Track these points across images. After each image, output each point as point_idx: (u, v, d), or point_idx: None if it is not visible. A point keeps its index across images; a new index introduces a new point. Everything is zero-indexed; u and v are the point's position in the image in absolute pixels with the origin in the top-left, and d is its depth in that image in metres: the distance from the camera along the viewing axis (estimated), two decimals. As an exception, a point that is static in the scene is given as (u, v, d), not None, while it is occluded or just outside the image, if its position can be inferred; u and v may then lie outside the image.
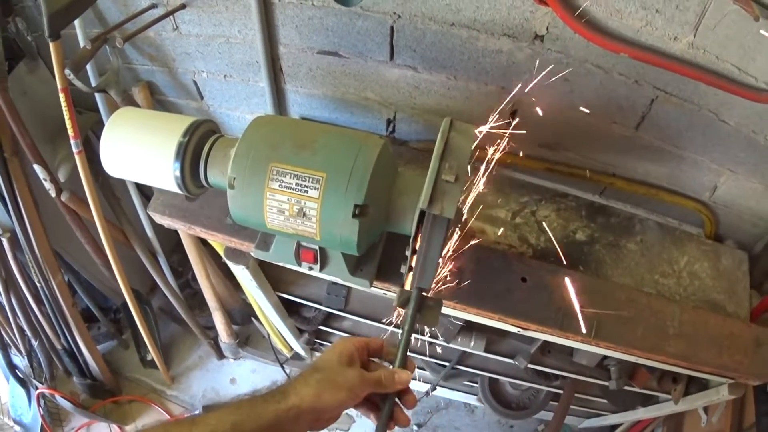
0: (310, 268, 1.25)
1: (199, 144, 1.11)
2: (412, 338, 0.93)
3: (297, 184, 1.00)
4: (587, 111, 1.37)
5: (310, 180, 1.00)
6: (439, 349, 2.03)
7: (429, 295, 0.98)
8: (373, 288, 1.30)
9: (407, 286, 1.03)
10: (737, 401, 1.63)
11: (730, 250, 1.53)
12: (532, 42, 1.27)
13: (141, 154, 1.12)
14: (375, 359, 0.92)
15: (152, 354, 2.57)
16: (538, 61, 1.30)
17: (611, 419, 2.31)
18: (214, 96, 1.85)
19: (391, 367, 0.88)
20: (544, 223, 1.50)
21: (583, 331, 1.27)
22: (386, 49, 1.42)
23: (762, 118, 1.23)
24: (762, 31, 1.02)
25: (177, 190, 1.14)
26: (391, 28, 1.35)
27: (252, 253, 1.31)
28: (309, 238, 1.07)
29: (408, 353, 0.90)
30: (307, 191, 1.00)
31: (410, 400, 0.88)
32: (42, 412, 2.69)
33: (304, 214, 1.02)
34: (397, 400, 0.87)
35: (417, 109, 1.58)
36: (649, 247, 1.50)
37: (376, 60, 1.46)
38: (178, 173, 1.09)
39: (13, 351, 2.70)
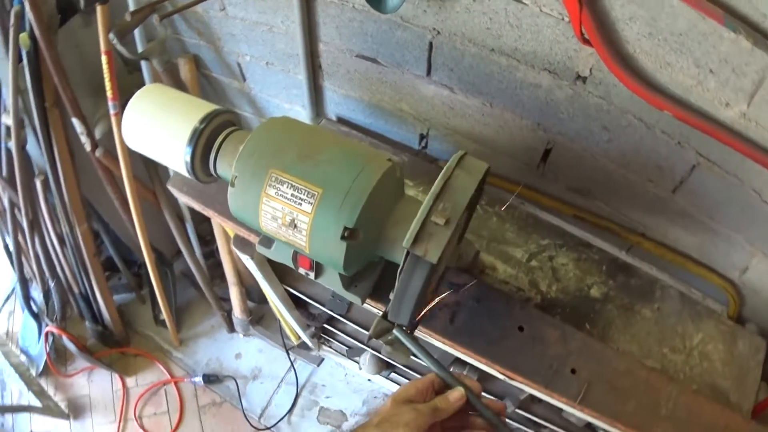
0: (307, 274, 1.22)
1: (213, 133, 1.10)
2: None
3: (293, 195, 0.97)
4: (624, 164, 1.29)
5: (306, 193, 0.96)
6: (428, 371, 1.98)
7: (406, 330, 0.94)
8: (365, 305, 1.27)
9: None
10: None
11: (749, 335, 1.42)
12: (573, 82, 1.20)
13: (158, 132, 1.12)
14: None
15: (164, 314, 2.62)
16: (578, 103, 1.23)
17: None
18: (255, 80, 1.85)
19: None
20: (560, 271, 1.43)
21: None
22: (424, 64, 1.38)
23: (808, 207, 1.14)
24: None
25: (187, 175, 1.13)
26: (430, 43, 1.31)
27: (256, 247, 1.30)
28: (300, 249, 1.04)
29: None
30: (300, 204, 0.97)
31: (494, 407, 0.86)
32: (48, 349, 2.77)
33: (296, 226, 0.99)
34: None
35: (450, 129, 1.54)
36: (664, 316, 1.41)
37: (413, 73, 1.43)
38: (188, 158, 1.08)
39: (33, 285, 2.78)
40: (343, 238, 0.95)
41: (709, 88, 1.03)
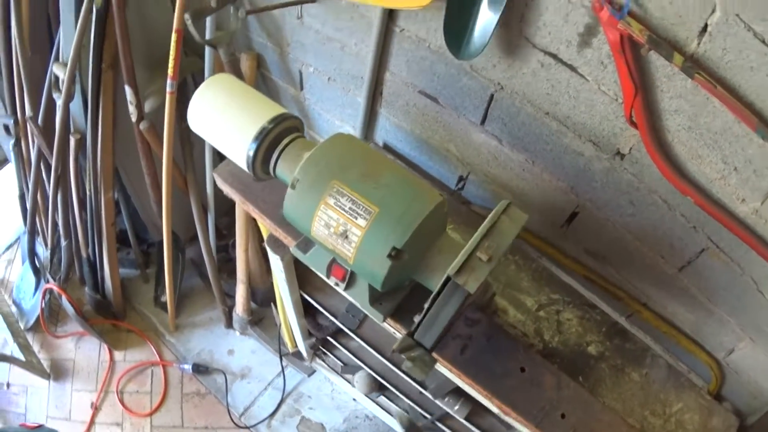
0: (337, 284, 1.30)
1: (279, 135, 1.17)
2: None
3: (350, 208, 1.06)
4: (641, 238, 1.40)
5: (364, 210, 1.05)
6: (423, 398, 2.05)
7: (428, 353, 1.03)
8: (384, 324, 1.35)
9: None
10: None
11: (724, 413, 1.51)
12: (612, 156, 1.31)
13: (225, 123, 1.18)
14: None
15: (167, 297, 2.65)
16: (612, 176, 1.34)
17: None
18: (313, 92, 1.92)
19: None
20: (564, 325, 1.53)
21: None
22: (480, 113, 1.47)
23: (796, 304, 1.25)
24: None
25: (245, 168, 1.20)
26: (491, 95, 1.41)
27: (291, 250, 1.37)
28: (344, 259, 1.12)
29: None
30: (356, 218, 1.06)
31: None
32: (43, 306, 2.79)
33: (347, 237, 1.08)
34: None
35: (490, 177, 1.63)
36: (650, 382, 1.50)
37: (468, 119, 1.52)
38: (251, 153, 1.15)
39: (39, 240, 2.80)
40: (389, 256, 1.04)
41: (731, 183, 1.15)
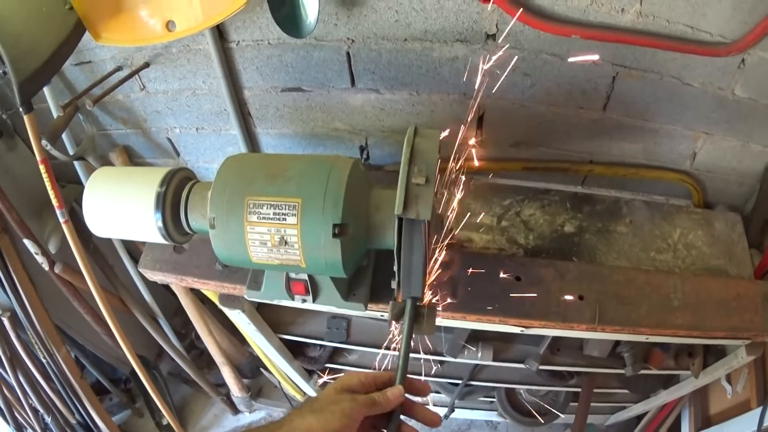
0: (304, 300, 1.25)
1: (176, 191, 1.12)
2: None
3: (275, 214, 1.01)
4: (551, 102, 1.39)
5: (287, 207, 1.00)
6: (449, 368, 2.01)
7: (421, 304, 0.98)
8: (368, 311, 1.30)
9: (399, 299, 1.03)
10: (759, 366, 1.62)
11: (721, 215, 1.53)
12: (485, 42, 1.29)
13: (122, 209, 1.13)
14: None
15: (167, 418, 2.53)
16: (494, 60, 1.31)
17: (636, 409, 2.28)
18: (189, 151, 1.87)
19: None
20: (530, 222, 1.51)
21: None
22: (346, 76, 1.44)
23: (725, 73, 1.25)
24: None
25: (162, 241, 1.14)
26: (347, 53, 1.38)
27: (245, 295, 1.31)
28: (295, 266, 1.07)
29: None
30: (285, 219, 1.00)
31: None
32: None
33: (286, 242, 1.02)
34: (405, 417, 0.85)
35: (386, 131, 1.60)
36: (639, 226, 1.50)
37: (338, 89, 1.49)
38: (160, 223, 1.10)
39: (28, 431, 2.64)
40: (335, 235, 0.99)
41: (603, 2, 1.14)
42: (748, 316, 1.31)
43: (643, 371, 1.76)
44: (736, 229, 1.51)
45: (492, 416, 2.54)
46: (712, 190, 1.58)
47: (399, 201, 0.91)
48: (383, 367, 1.68)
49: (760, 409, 1.59)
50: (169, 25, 1.33)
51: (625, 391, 2.13)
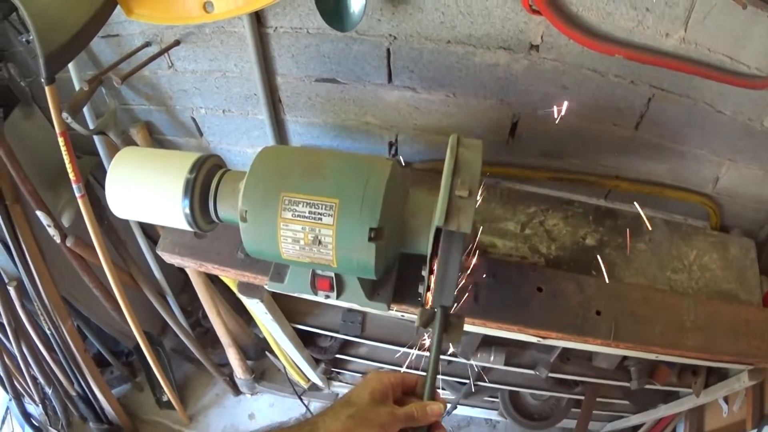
0: (327, 296, 1.24)
1: (206, 180, 1.10)
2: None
3: (310, 212, 1.00)
4: (586, 116, 1.38)
5: (323, 207, 0.99)
6: (456, 366, 2.02)
7: (452, 313, 0.98)
8: (390, 311, 1.30)
9: (427, 306, 1.02)
10: (756, 388, 1.64)
11: (736, 239, 1.54)
12: (528, 52, 1.28)
13: (148, 193, 1.11)
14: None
15: (168, 394, 2.54)
16: (535, 70, 1.31)
17: (633, 420, 2.30)
18: (213, 132, 1.85)
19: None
20: (553, 232, 1.51)
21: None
22: (384, 72, 1.43)
23: (757, 104, 1.25)
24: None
25: (187, 228, 1.13)
26: (388, 50, 1.37)
27: (266, 286, 1.30)
28: (325, 265, 1.06)
29: (422, 373, 0.90)
30: (321, 218, 1.00)
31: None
32: (60, 462, 2.64)
33: (320, 242, 1.02)
34: None
35: (418, 129, 1.59)
36: (658, 245, 1.50)
37: (374, 83, 1.48)
38: (187, 210, 1.08)
39: (27, 400, 2.66)
40: (370, 239, 0.98)
41: (649, 25, 1.14)
42: (755, 342, 1.33)
43: (647, 386, 1.78)
44: (749, 255, 1.52)
45: (492, 415, 2.56)
46: (730, 214, 1.59)
47: (440, 213, 0.90)
48: (405, 365, 1.70)
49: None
50: (207, 6, 1.32)
51: (626, 402, 2.14)
